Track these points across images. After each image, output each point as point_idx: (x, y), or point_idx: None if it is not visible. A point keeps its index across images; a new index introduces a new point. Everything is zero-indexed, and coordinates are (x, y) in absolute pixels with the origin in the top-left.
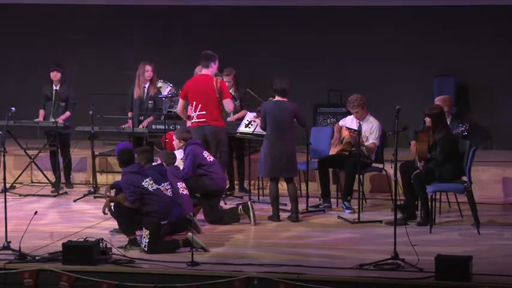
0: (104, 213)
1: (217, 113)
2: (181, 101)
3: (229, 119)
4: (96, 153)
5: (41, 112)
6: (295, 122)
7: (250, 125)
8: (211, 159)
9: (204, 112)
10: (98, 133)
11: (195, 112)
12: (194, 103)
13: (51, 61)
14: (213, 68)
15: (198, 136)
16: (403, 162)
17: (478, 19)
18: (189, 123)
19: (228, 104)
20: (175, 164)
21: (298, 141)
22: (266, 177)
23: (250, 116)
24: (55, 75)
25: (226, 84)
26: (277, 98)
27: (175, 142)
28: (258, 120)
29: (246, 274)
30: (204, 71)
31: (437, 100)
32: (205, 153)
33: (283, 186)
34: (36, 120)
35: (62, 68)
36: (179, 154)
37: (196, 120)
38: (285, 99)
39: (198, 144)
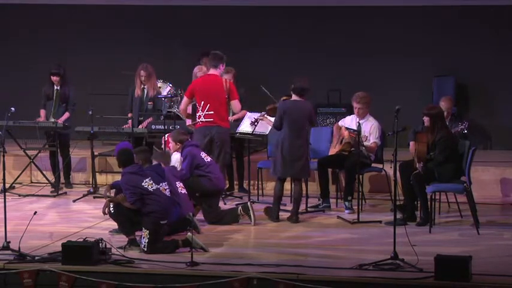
0: (104, 213)
1: (225, 114)
2: (186, 100)
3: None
4: (96, 153)
5: (42, 112)
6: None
7: (256, 123)
8: (209, 160)
9: (212, 112)
10: (97, 133)
11: (202, 112)
12: (202, 103)
13: (51, 61)
14: (220, 69)
15: (204, 136)
16: (403, 163)
17: (478, 19)
18: (188, 122)
19: (237, 105)
20: (172, 164)
21: None
22: (280, 177)
23: (255, 115)
24: (55, 79)
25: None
26: (294, 97)
27: (171, 144)
28: (265, 119)
29: (245, 274)
30: (212, 71)
31: (443, 101)
32: (203, 154)
33: (284, 186)
34: (38, 120)
35: (61, 69)
36: (175, 156)
37: (204, 120)
38: (302, 99)
39: (195, 145)
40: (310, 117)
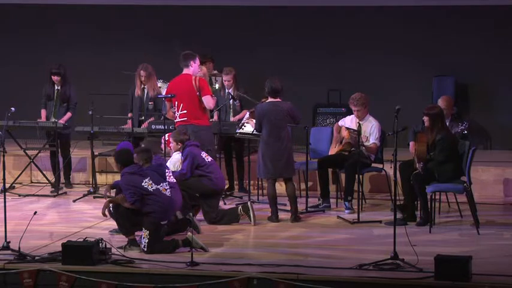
0: (104, 214)
1: (199, 111)
2: (167, 104)
3: (231, 119)
4: (96, 153)
5: (43, 112)
6: (290, 121)
7: (243, 126)
8: (209, 160)
9: (185, 111)
10: (97, 133)
11: (177, 112)
12: (176, 103)
13: (51, 61)
14: (193, 67)
15: None
16: (403, 162)
17: (478, 19)
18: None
19: (208, 101)
20: (172, 164)
21: (297, 141)
22: (265, 179)
23: (245, 117)
24: (56, 79)
25: (226, 82)
26: (270, 99)
27: (172, 144)
28: (251, 122)
29: (245, 274)
30: (185, 71)
31: (440, 101)
32: (203, 154)
33: (282, 186)
34: (39, 120)
35: (62, 69)
36: (176, 156)
37: (179, 120)
38: (278, 100)
39: (196, 145)
40: (291, 116)
